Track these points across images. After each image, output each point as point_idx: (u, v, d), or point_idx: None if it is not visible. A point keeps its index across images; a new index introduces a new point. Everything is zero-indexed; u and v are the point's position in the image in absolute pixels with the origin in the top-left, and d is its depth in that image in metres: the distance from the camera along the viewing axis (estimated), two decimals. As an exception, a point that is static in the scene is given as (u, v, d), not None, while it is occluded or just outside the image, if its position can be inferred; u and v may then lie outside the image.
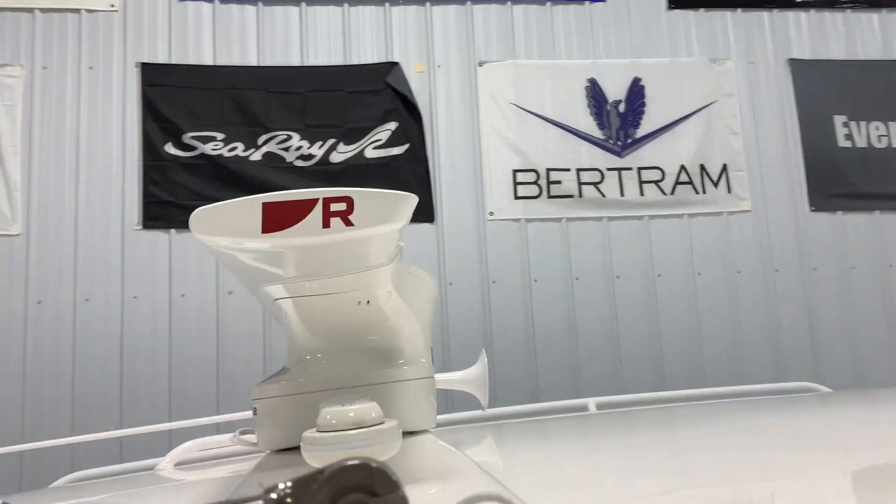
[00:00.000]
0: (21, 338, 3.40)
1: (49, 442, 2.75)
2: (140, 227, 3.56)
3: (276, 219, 0.70)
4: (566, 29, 3.97)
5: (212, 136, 3.63)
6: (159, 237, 3.57)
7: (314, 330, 1.04)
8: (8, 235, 3.51)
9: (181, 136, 3.62)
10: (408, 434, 1.05)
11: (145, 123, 3.63)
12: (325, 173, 3.67)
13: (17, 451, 3.02)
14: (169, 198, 3.58)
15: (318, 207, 0.69)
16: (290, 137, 3.68)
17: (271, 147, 3.67)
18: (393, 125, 3.76)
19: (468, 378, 1.80)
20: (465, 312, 3.66)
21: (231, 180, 3.60)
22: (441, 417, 2.20)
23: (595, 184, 3.81)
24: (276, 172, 3.64)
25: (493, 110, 3.83)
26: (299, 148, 3.68)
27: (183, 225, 3.53)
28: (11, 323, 3.41)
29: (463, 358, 3.50)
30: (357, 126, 3.73)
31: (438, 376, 1.86)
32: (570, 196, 3.79)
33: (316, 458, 0.56)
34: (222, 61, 3.74)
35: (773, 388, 2.81)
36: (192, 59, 3.73)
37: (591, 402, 2.29)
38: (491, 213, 3.75)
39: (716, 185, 3.89)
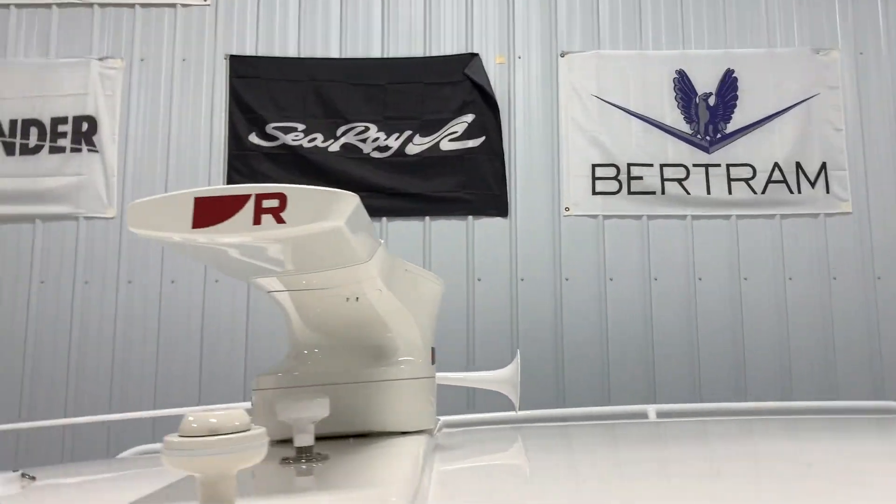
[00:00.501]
0: (112, 315, 3.61)
1: (131, 414, 2.91)
2: (223, 213, 3.69)
3: (208, 214, 0.69)
4: (654, 18, 3.81)
5: (293, 127, 3.72)
6: (241, 224, 3.69)
7: (309, 324, 1.04)
8: (104, 218, 3.73)
9: (265, 127, 3.73)
10: (399, 434, 1.03)
11: (232, 114, 3.76)
12: (400, 165, 3.69)
13: (103, 421, 3.22)
14: (251, 186, 3.69)
15: (251, 204, 0.68)
16: (367, 129, 3.72)
17: (349, 138, 3.72)
18: (470, 117, 3.72)
19: (499, 378, 1.77)
20: (537, 309, 3.59)
21: (310, 170, 3.68)
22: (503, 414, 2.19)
23: (679, 180, 3.64)
24: (352, 163, 3.69)
25: (574, 102, 3.72)
26: (376, 139, 3.71)
27: (263, 213, 3.65)
28: (104, 300, 3.62)
29: (532, 355, 3.45)
30: (434, 118, 3.72)
31: (472, 374, 1.84)
32: (652, 193, 3.64)
33: (173, 463, 0.54)
34: (306, 53, 3.82)
35: (858, 406, 2.60)
36: (277, 52, 3.83)
37: (652, 409, 2.19)
38: (567, 209, 3.65)
39: (813, 184, 3.63)
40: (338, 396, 0.98)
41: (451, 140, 3.71)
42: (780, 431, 1.48)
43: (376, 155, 3.71)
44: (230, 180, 3.72)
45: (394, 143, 3.71)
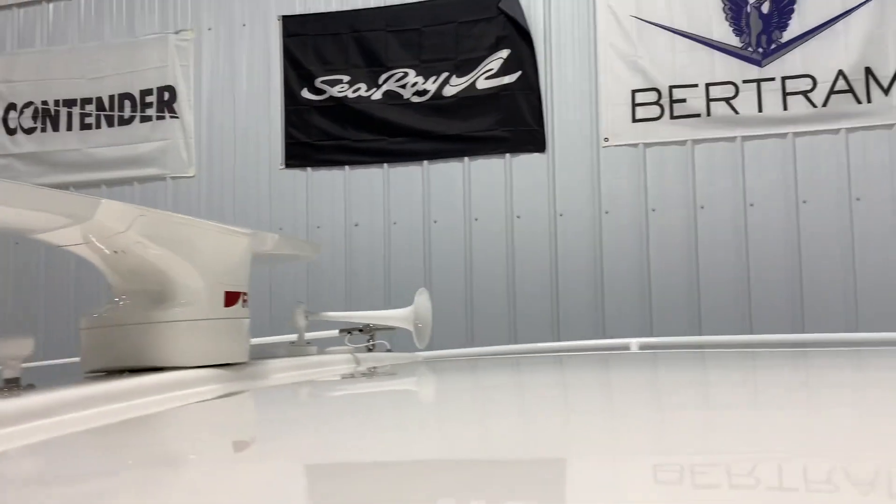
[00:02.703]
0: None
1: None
2: (283, 166, 3.98)
3: None
4: (699, -78, 3.49)
5: (339, 80, 3.89)
6: (298, 175, 3.96)
7: (106, 273, 1.21)
8: (185, 177, 4.16)
9: (314, 81, 3.94)
10: (176, 369, 1.15)
11: (286, 72, 4.01)
12: (437, 108, 3.75)
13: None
14: (305, 139, 3.94)
15: None
16: (406, 74, 3.80)
17: (390, 85, 3.83)
18: (505, 52, 3.68)
19: (399, 316, 1.86)
20: (576, 244, 3.54)
21: (355, 120, 3.85)
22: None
23: (727, 99, 3.37)
24: (394, 110, 3.80)
25: (612, 26, 3.54)
26: (415, 84, 3.79)
27: (317, 163, 3.90)
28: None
29: (571, 289, 3.44)
30: (469, 57, 3.72)
31: (376, 313, 1.95)
32: (697, 115, 3.41)
33: None
34: (347, 6, 3.94)
35: None
36: (322, 7, 3.99)
37: (634, 342, 2.18)
38: (606, 140, 3.53)
39: (886, 91, 3.20)
40: (125, 336, 1.14)
41: (487, 78, 3.70)
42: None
43: (416, 100, 3.79)
44: (287, 135, 3.98)
45: (431, 86, 3.77)
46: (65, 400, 0.89)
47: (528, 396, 1.11)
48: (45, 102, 4.41)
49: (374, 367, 1.70)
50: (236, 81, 4.11)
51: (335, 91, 3.90)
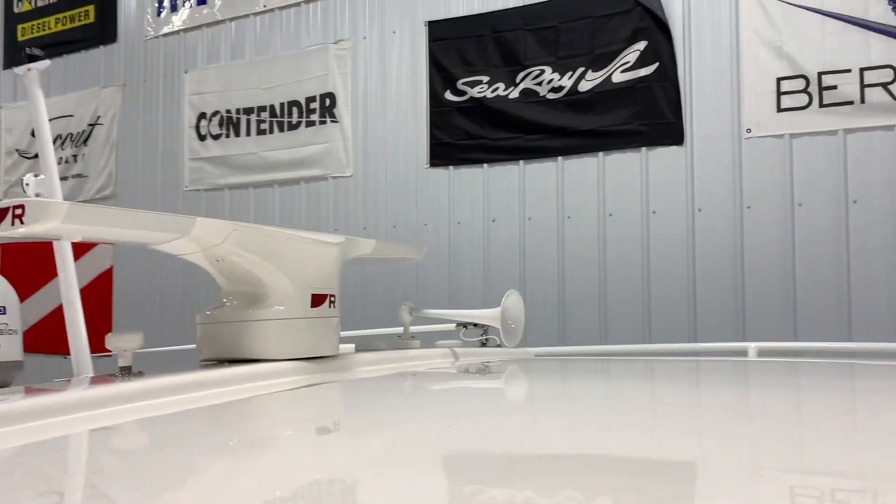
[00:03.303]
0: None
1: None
2: (427, 165, 4.21)
3: None
4: None
5: (479, 80, 4.04)
6: (441, 173, 4.17)
7: (215, 278, 1.47)
8: (344, 177, 4.52)
9: (456, 83, 4.11)
10: (269, 361, 1.36)
11: (431, 75, 4.22)
12: (572, 103, 3.78)
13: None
14: (448, 139, 4.14)
15: (9, 212, 1.12)
16: (542, 72, 3.86)
17: (527, 83, 3.91)
18: (642, 44, 3.62)
19: (487, 316, 2.00)
20: (716, 239, 3.43)
21: (494, 119, 3.98)
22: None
23: (885, 84, 3.09)
24: (530, 108, 3.88)
25: (756, 11, 3.36)
26: (550, 81, 3.84)
27: (459, 162, 4.09)
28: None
29: (710, 288, 3.37)
30: (605, 51, 3.71)
31: (462, 312, 2.09)
32: (849, 103, 3.16)
33: None
34: (488, 7, 4.07)
35: None
36: (464, 11, 4.14)
37: (752, 346, 2.17)
38: (748, 131, 3.37)
39: None
40: (229, 331, 1.40)
41: (623, 71, 3.66)
42: None
43: (551, 96, 3.84)
44: (432, 135, 4.20)
45: (567, 82, 3.80)
46: (166, 385, 1.10)
47: (658, 407, 1.07)
48: (228, 111, 4.98)
49: (487, 363, 1.81)
50: (387, 86, 4.40)
51: (475, 92, 4.05)
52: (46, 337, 3.63)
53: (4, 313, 1.96)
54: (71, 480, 0.71)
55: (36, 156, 5.92)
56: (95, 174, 5.65)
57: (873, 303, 3.12)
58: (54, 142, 5.84)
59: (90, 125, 5.70)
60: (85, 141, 5.73)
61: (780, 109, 3.30)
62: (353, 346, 1.84)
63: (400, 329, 1.85)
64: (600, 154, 3.72)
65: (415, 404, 1.20)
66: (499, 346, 2.02)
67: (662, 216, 3.56)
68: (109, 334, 1.24)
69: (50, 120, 6.25)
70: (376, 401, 1.20)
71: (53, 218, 1.10)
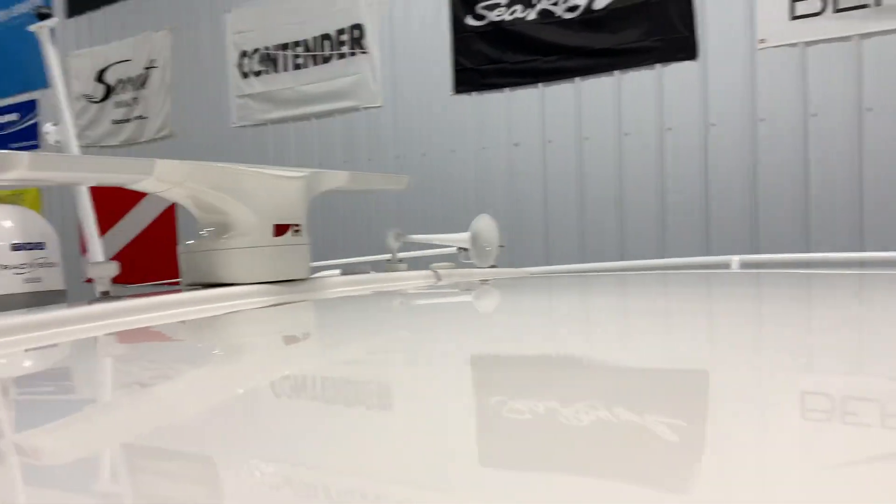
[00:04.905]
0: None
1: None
2: (452, 92, 4.30)
3: None
4: None
5: (497, 3, 4.05)
6: (465, 100, 4.25)
7: (192, 212, 1.65)
8: (375, 107, 4.67)
9: (475, 7, 4.14)
10: (230, 284, 1.57)
11: (452, 1, 4.25)
12: (588, 22, 3.76)
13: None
14: (471, 65, 4.20)
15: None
16: (558, -9, 3.85)
17: (544, 4, 3.90)
18: (655, -43, 3.55)
19: (458, 239, 2.15)
20: (730, 154, 3.42)
21: (512, 42, 4.01)
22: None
23: (902, -16, 2.96)
24: (546, 29, 3.89)
25: (770, -86, 3.23)
26: (566, 0, 3.82)
27: (482, 87, 4.16)
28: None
29: (725, 203, 3.40)
30: (619, -34, 3.65)
31: (438, 236, 2.24)
32: (865, 6, 3.04)
33: None
34: (504, -73, 4.03)
35: None
36: (480, -68, 4.12)
37: (735, 259, 2.22)
38: (762, 41, 3.30)
39: None
40: (204, 259, 1.61)
41: (636, -14, 3.61)
42: None
43: (567, 16, 3.83)
44: (455, 62, 4.27)
45: (581, 0, 3.77)
46: (139, 305, 1.31)
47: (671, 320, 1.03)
48: (266, 48, 5.17)
49: (486, 280, 1.95)
50: (411, 14, 4.46)
51: (493, 15, 4.07)
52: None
53: (44, 248, 2.25)
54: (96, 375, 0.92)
55: (102, 99, 6.32)
56: (154, 115, 5.98)
57: (890, 212, 3.08)
58: (117, 85, 6.21)
59: (146, 68, 6.01)
60: (143, 84, 6.05)
61: (793, 17, 3.21)
62: (338, 271, 2.02)
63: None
64: (616, 73, 3.71)
65: (385, 316, 1.30)
66: (493, 266, 2.15)
67: (678, 133, 3.56)
68: (90, 263, 1.46)
69: (112, 64, 6.59)
70: (345, 312, 1.30)
71: (18, 166, 1.29)
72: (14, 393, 0.78)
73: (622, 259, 3.66)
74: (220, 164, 1.55)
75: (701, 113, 3.49)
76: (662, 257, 3.57)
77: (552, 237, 3.95)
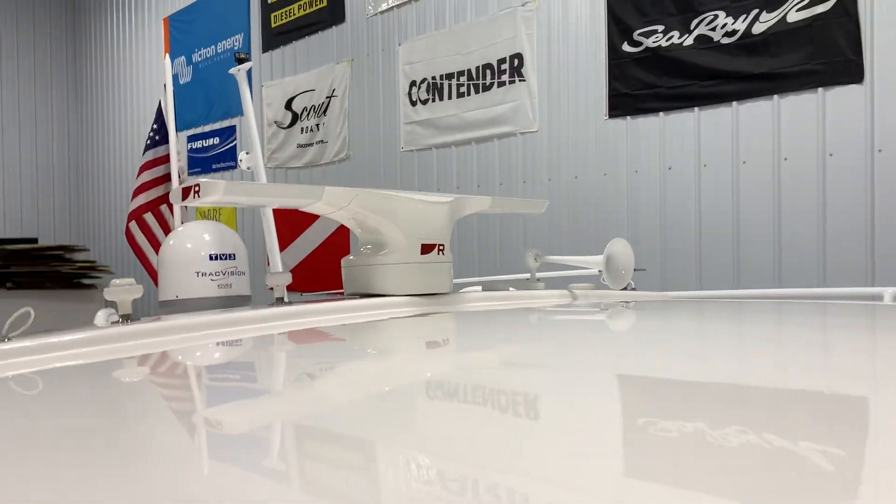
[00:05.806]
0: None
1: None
2: (606, 116, 4.39)
3: (185, 194, 1.67)
4: None
5: (654, 30, 4.11)
6: (619, 124, 4.33)
7: (354, 231, 1.93)
8: (531, 132, 4.86)
9: (632, 34, 4.22)
10: (383, 295, 1.82)
11: (609, 28, 4.36)
12: (746, 46, 3.72)
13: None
14: (625, 90, 4.28)
15: (192, 189, 1.66)
16: (716, 17, 3.83)
17: (701, 30, 3.91)
18: (819, -21, 3.45)
19: (592, 261, 2.29)
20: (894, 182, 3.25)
21: (669, 68, 4.04)
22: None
23: None
24: (704, 54, 3.89)
25: (950, -71, 3.06)
26: (724, 25, 3.80)
27: (636, 112, 4.24)
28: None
29: (890, 232, 3.26)
30: (780, -10, 3.59)
31: (573, 258, 2.39)
32: None
33: None
34: (662, -45, 4.09)
35: None
36: (639, -39, 4.20)
37: (890, 290, 2.18)
38: (937, 62, 3.12)
39: None
40: (362, 273, 1.86)
41: (798, 10, 3.53)
42: None
43: (725, 41, 3.81)
44: (610, 87, 4.37)
45: (740, 25, 3.74)
46: (308, 310, 1.57)
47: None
48: (433, 77, 5.53)
49: (627, 302, 2.03)
50: (568, 42, 4.61)
51: (650, 42, 4.13)
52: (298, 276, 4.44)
53: (235, 259, 2.63)
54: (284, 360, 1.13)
55: (289, 125, 7.02)
56: (333, 140, 6.55)
57: None
58: (302, 113, 6.88)
59: (328, 97, 6.60)
60: (324, 111, 6.65)
61: (975, 36, 3.01)
62: (479, 287, 2.22)
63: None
64: (775, 97, 3.64)
65: (519, 330, 1.37)
66: (633, 289, 2.24)
67: (839, 158, 3.43)
68: (269, 273, 1.76)
69: (298, 94, 7.27)
70: (482, 324, 1.38)
71: (216, 192, 1.59)
72: (206, 378, 0.94)
73: (778, 286, 3.57)
74: (377, 191, 1.78)
75: (867, 138, 3.34)
76: (822, 286, 3.44)
77: (704, 262, 3.92)
